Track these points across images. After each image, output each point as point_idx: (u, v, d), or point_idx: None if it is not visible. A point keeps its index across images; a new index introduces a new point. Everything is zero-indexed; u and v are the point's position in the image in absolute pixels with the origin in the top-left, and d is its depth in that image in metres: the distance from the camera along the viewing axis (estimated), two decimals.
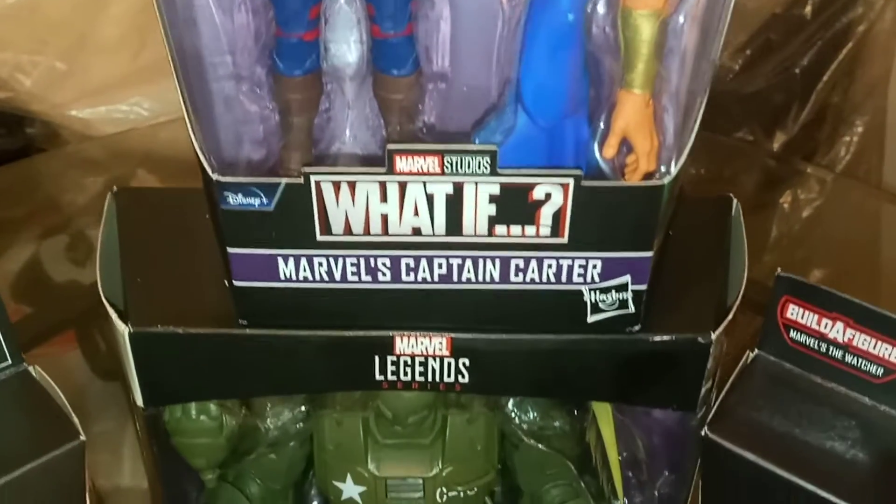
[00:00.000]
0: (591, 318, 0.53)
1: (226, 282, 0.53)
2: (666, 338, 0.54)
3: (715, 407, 0.60)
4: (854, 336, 0.59)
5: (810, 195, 1.07)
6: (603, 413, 0.63)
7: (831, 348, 0.60)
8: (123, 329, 0.54)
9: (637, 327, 0.54)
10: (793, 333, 0.61)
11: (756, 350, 0.63)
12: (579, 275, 0.51)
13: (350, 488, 0.64)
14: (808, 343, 0.61)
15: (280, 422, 0.63)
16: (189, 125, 0.48)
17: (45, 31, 1.07)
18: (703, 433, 0.58)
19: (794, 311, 0.61)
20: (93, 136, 1.17)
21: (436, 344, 0.54)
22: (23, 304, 0.97)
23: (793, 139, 1.32)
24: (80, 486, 0.56)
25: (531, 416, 0.64)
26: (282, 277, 0.52)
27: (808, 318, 0.60)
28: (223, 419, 0.61)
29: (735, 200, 0.63)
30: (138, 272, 0.57)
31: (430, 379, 0.56)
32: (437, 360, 0.55)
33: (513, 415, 0.64)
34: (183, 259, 0.58)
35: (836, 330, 0.59)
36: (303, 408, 0.62)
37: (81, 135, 1.16)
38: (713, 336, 0.54)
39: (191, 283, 0.57)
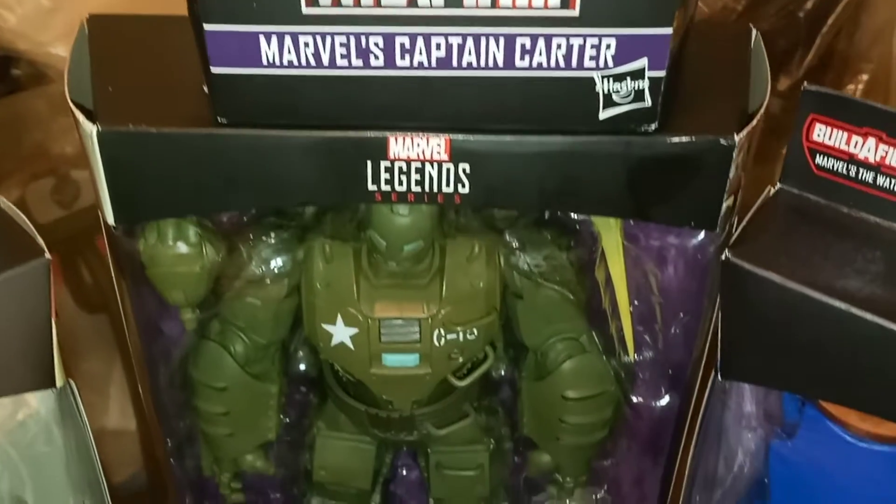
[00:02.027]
0: (603, 114, 0.49)
1: (204, 79, 0.48)
2: (685, 139, 0.50)
3: (735, 235, 0.56)
4: (887, 153, 0.54)
5: None
6: (613, 248, 0.59)
7: (861, 171, 0.56)
8: (91, 129, 0.49)
9: (654, 126, 0.49)
10: (819, 159, 0.57)
11: (778, 184, 0.59)
12: (591, 57, 0.47)
13: (341, 331, 0.59)
14: (835, 168, 0.56)
15: (265, 254, 0.58)
16: None
17: None
18: (723, 257, 0.54)
19: (820, 132, 0.56)
20: None
21: (433, 146, 0.50)
22: None
23: (797, 84, 1.28)
24: (46, 307, 0.52)
25: (534, 252, 0.59)
26: (264, 62, 0.47)
27: (837, 138, 0.56)
28: (203, 248, 0.56)
29: (755, 30, 0.58)
30: (110, 82, 0.52)
31: (427, 189, 0.51)
32: (435, 165, 0.50)
33: (516, 252, 0.59)
34: (158, 72, 0.53)
35: (868, 148, 0.55)
36: (286, 234, 0.58)
37: None
38: (736, 138, 0.50)
39: (166, 89, 0.52)
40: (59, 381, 0.55)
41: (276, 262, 0.59)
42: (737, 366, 0.56)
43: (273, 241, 0.59)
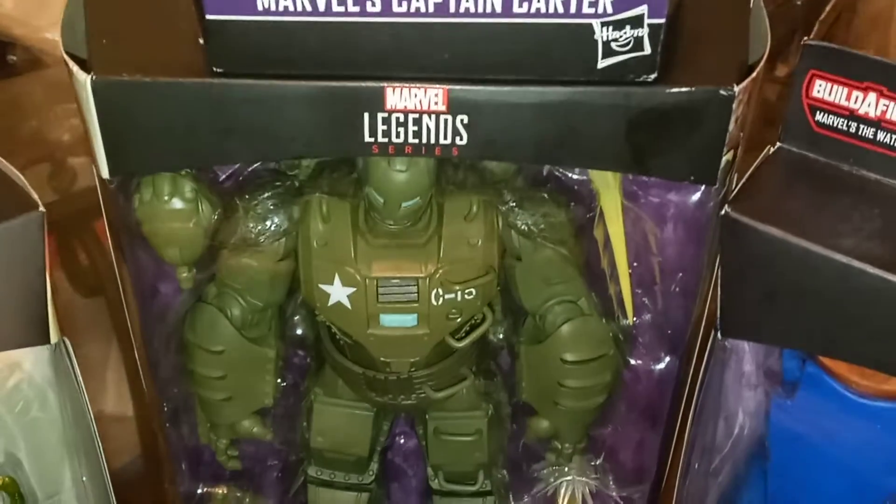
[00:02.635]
0: (601, 63, 0.48)
1: (199, 28, 0.48)
2: (684, 90, 0.49)
3: (735, 192, 0.55)
4: (888, 107, 0.54)
5: None
6: (611, 207, 0.58)
7: (861, 127, 0.55)
8: (85, 79, 0.49)
9: (653, 76, 0.49)
10: (819, 116, 0.56)
11: (778, 143, 0.58)
12: (590, 4, 0.46)
13: (338, 291, 0.59)
14: (835, 125, 0.56)
15: (261, 214, 0.58)
16: None
17: None
18: (723, 212, 0.54)
19: (821, 88, 0.56)
20: None
21: (431, 97, 0.49)
22: None
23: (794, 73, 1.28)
24: (40, 261, 0.52)
25: (532, 211, 0.59)
26: (259, 8, 0.46)
27: (837, 94, 0.55)
28: (199, 204, 0.56)
29: None
30: (105, 33, 0.52)
31: (424, 141, 0.50)
32: (433, 117, 0.50)
33: (514, 210, 0.59)
34: (154, 22, 0.52)
35: (868, 103, 0.54)
36: (282, 193, 0.57)
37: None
38: (736, 89, 0.49)
39: (162, 40, 0.51)
40: (53, 338, 0.54)
41: (273, 222, 0.58)
42: (737, 324, 0.56)
43: (269, 200, 0.58)
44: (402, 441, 0.76)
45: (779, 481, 0.59)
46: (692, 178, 0.53)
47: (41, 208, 0.51)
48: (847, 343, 0.52)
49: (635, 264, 0.61)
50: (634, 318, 0.64)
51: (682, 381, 0.63)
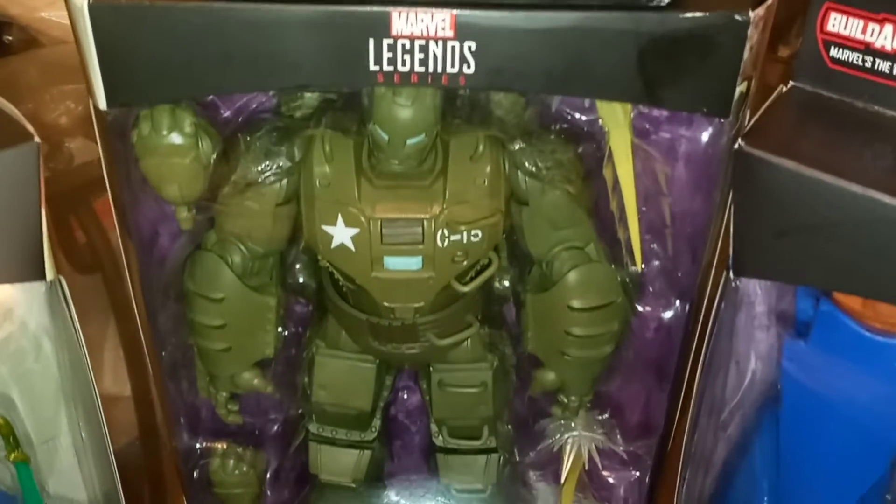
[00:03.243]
0: None
1: None
2: (698, 14, 0.48)
3: (747, 128, 0.54)
4: None
5: None
6: (621, 147, 0.57)
7: (877, 62, 0.54)
8: (82, 3, 0.47)
9: (666, 1, 0.48)
10: (833, 51, 0.55)
11: (791, 82, 0.57)
12: None
13: (341, 232, 0.58)
14: (850, 60, 0.55)
15: (262, 153, 0.56)
16: None
17: None
18: (736, 146, 0.52)
19: (835, 22, 0.54)
20: (69, 41, 1.12)
21: (438, 22, 0.48)
22: None
23: (795, 54, 1.27)
24: (35, 193, 0.50)
25: (540, 150, 0.58)
26: None
27: (853, 27, 0.54)
28: (198, 139, 0.54)
29: None
30: None
31: (430, 69, 0.49)
32: (440, 43, 0.48)
33: (521, 150, 0.57)
34: None
35: (885, 36, 0.53)
36: (284, 132, 0.56)
37: (59, 40, 1.11)
38: (751, 14, 0.48)
39: None
40: (49, 275, 0.53)
41: (274, 160, 0.57)
42: (750, 262, 0.55)
43: (270, 137, 0.57)
44: (405, 397, 0.74)
45: (791, 428, 0.58)
46: (705, 109, 0.52)
47: (36, 139, 0.50)
48: (864, 277, 0.51)
49: (644, 209, 0.60)
50: (643, 266, 0.62)
51: (691, 327, 0.61)
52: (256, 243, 0.61)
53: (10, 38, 1.17)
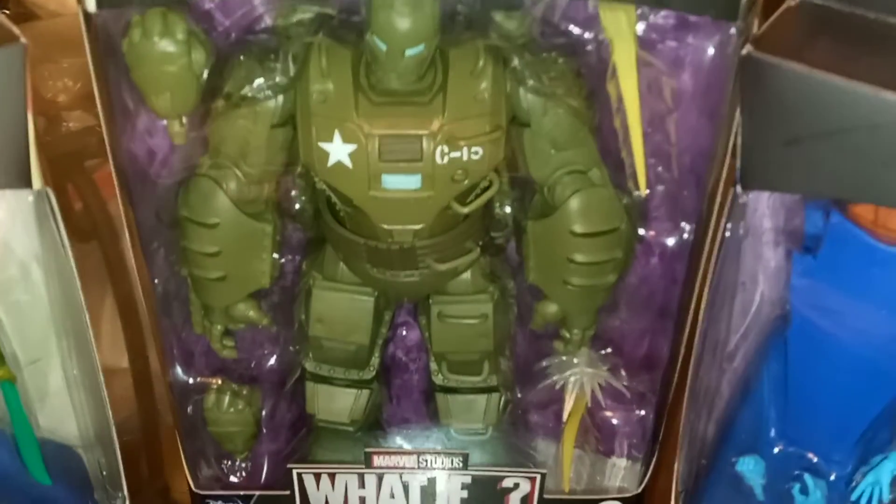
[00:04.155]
0: None
1: None
2: None
3: (757, 35, 0.53)
4: None
5: None
6: (625, 60, 0.55)
7: None
8: None
9: None
10: None
11: None
12: None
13: (338, 149, 0.56)
14: None
15: (257, 60, 0.55)
16: None
17: None
18: (745, 52, 0.51)
19: None
20: (66, 13, 1.10)
21: None
22: None
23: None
24: (21, 97, 0.49)
25: (542, 65, 0.56)
26: None
27: None
28: (191, 46, 0.53)
29: None
30: None
31: None
32: None
33: (524, 65, 0.56)
34: None
35: None
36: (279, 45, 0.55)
37: (56, 13, 1.09)
38: None
39: None
40: (36, 184, 0.51)
41: (269, 77, 0.56)
42: (759, 173, 0.53)
43: (266, 54, 0.55)
44: (404, 333, 0.73)
45: (800, 349, 0.57)
46: (713, 11, 0.50)
47: (22, 40, 0.48)
48: (878, 184, 0.49)
49: (649, 130, 0.59)
50: (647, 191, 0.61)
51: (697, 250, 0.60)
52: (252, 167, 0.60)
53: (7, 11, 1.16)
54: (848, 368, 0.55)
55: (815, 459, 0.59)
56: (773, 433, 0.61)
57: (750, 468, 0.62)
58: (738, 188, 0.54)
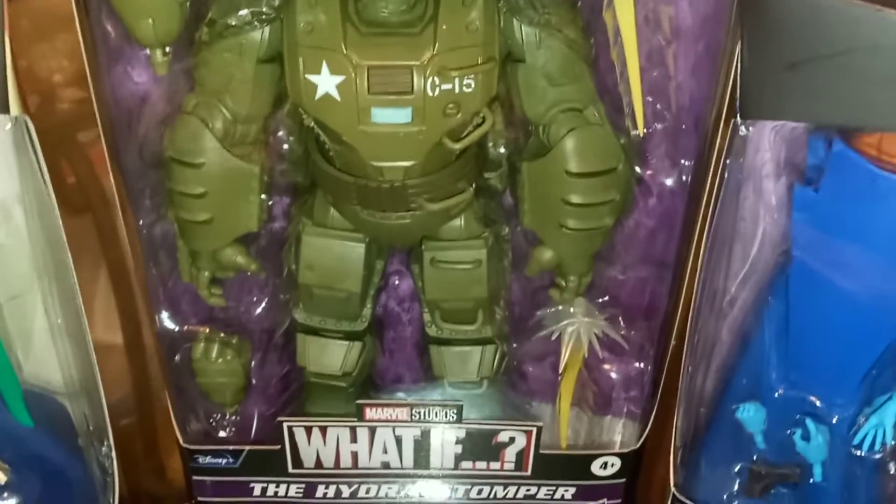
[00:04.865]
0: None
1: None
2: None
3: None
4: None
5: None
6: None
7: None
8: None
9: None
10: None
11: None
12: None
13: (326, 81, 0.54)
14: None
15: None
16: None
17: None
18: None
19: None
20: None
21: None
22: None
23: None
24: None
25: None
26: None
27: None
28: None
29: None
30: None
31: None
32: None
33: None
34: None
35: None
36: None
37: None
38: None
39: None
40: (13, 109, 0.50)
41: (255, 5, 0.54)
42: (759, 101, 0.51)
43: None
44: (396, 282, 0.71)
45: (801, 287, 0.55)
46: None
47: None
48: (881, 109, 0.48)
49: (647, 65, 0.57)
50: (645, 130, 0.59)
51: (697, 189, 0.58)
52: (238, 104, 0.58)
53: None
54: (849, 308, 0.54)
55: (818, 403, 0.58)
56: (774, 377, 0.59)
57: (750, 415, 0.60)
58: (738, 119, 0.53)
